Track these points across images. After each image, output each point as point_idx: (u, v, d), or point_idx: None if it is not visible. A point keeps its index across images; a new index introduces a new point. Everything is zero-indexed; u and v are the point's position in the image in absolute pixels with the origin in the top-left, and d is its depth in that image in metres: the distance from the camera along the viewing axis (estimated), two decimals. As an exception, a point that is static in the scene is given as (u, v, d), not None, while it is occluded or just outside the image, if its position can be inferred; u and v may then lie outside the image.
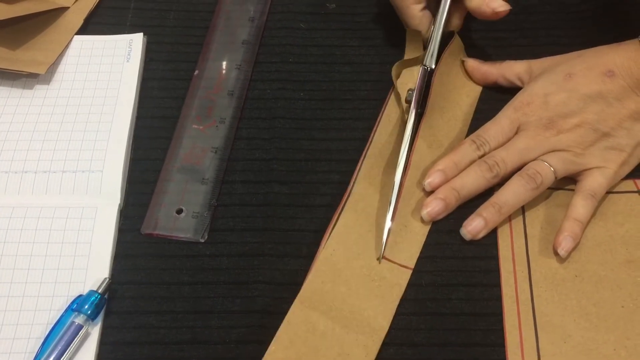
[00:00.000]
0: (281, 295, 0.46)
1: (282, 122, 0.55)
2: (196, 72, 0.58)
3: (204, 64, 0.58)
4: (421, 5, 0.55)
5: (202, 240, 0.49)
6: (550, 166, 0.48)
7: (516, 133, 0.50)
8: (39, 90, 0.56)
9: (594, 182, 0.48)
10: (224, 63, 0.58)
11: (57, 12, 0.60)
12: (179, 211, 0.50)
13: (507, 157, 0.49)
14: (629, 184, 0.50)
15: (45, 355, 0.43)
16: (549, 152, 0.49)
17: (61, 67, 0.57)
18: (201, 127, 0.54)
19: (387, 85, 0.57)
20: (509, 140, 0.50)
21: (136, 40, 0.59)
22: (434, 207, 0.48)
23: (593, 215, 0.48)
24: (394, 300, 0.45)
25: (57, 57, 0.57)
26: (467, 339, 0.45)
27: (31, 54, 0.56)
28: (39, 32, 0.58)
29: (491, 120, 0.52)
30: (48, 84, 0.56)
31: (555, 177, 0.48)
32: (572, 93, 0.49)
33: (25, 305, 0.45)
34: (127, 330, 0.45)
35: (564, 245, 0.46)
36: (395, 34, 0.60)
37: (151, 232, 0.49)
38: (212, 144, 0.54)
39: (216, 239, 0.49)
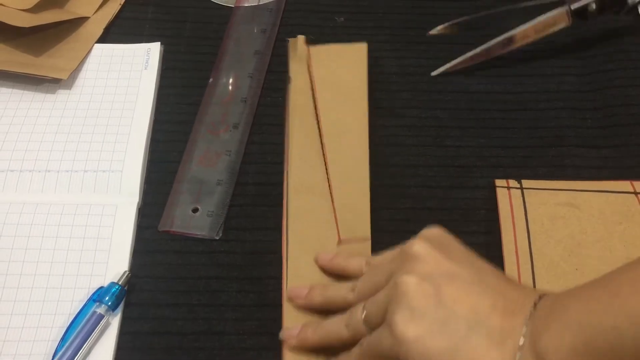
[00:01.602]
0: (292, 291, 0.49)
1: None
2: (211, 80, 0.60)
3: (218, 72, 0.61)
4: None
5: (217, 238, 0.51)
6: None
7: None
8: (61, 94, 0.58)
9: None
10: (238, 72, 0.61)
11: (78, 22, 0.63)
12: (195, 210, 0.52)
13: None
14: (626, 185, 0.52)
15: (67, 343, 0.45)
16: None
17: (82, 74, 0.60)
18: (215, 132, 0.57)
19: (393, 95, 0.59)
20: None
21: (154, 49, 0.62)
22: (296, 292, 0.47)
23: (592, 214, 0.50)
24: None
25: (79, 64, 0.60)
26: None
27: (54, 60, 0.59)
28: (61, 40, 0.61)
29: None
30: (70, 89, 0.59)
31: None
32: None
33: (48, 296, 0.47)
34: (145, 321, 0.47)
35: None
36: (402, 46, 0.63)
37: (168, 230, 0.51)
38: (226, 147, 0.56)
39: (230, 237, 0.51)
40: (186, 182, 0.54)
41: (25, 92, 0.58)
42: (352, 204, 0.52)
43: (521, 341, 0.37)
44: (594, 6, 0.55)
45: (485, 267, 0.42)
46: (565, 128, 0.57)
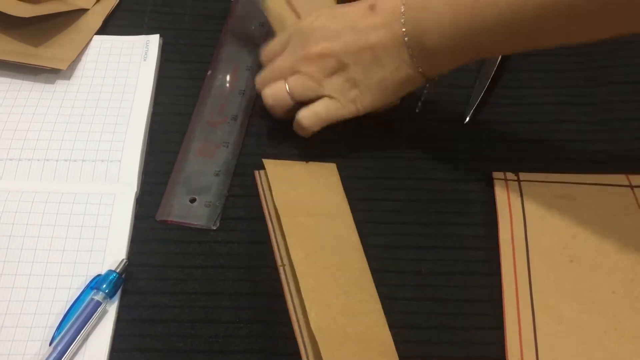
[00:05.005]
0: (289, 280, 0.49)
1: (290, 120, 0.58)
2: (209, 72, 0.61)
3: (217, 64, 0.61)
4: None
5: (214, 228, 0.51)
6: (288, 87, 0.53)
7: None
8: (60, 85, 0.58)
9: (321, 106, 0.52)
10: (236, 64, 0.61)
11: (78, 13, 0.63)
12: (192, 200, 0.53)
13: (267, 77, 0.55)
14: (622, 179, 0.53)
15: (65, 330, 0.45)
16: (296, 73, 0.52)
17: (81, 65, 0.60)
18: (214, 124, 0.57)
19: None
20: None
21: (153, 41, 0.62)
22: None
23: (588, 207, 0.51)
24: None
25: (78, 55, 0.60)
26: (464, 322, 0.47)
27: (53, 50, 0.59)
28: (61, 31, 0.61)
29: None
30: (68, 79, 0.59)
31: (292, 99, 0.53)
32: (335, 20, 0.51)
33: (46, 283, 0.47)
34: (142, 309, 0.47)
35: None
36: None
37: (165, 219, 0.52)
38: (224, 139, 0.56)
39: (227, 227, 0.51)
40: (184, 173, 0.54)
41: (24, 82, 0.58)
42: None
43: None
44: None
45: None
46: (562, 122, 0.58)
